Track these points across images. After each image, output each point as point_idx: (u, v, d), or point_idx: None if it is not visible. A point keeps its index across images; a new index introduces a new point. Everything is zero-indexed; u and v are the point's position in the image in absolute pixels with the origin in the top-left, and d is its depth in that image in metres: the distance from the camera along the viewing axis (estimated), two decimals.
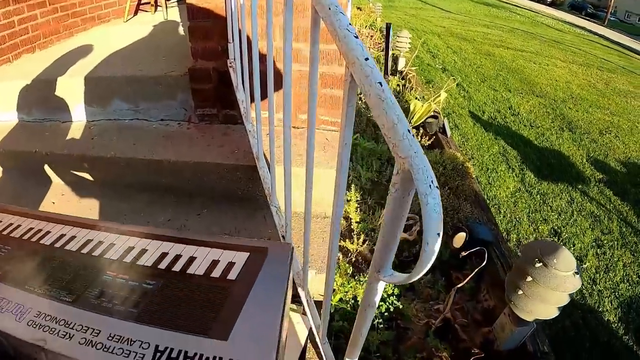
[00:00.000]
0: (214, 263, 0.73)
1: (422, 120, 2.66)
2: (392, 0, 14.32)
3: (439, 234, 0.48)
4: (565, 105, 5.18)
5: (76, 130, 1.90)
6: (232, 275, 0.70)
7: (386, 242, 0.64)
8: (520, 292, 1.22)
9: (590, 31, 17.05)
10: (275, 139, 1.22)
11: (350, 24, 0.63)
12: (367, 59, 0.57)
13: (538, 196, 3.22)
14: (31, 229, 0.81)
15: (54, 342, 0.58)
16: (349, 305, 1.51)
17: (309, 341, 1.37)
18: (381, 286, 0.72)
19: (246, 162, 1.54)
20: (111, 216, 1.57)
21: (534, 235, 2.77)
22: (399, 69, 3.82)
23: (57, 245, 0.77)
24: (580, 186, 3.46)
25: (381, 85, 0.53)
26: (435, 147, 2.55)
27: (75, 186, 1.74)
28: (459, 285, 1.44)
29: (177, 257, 0.75)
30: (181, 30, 2.74)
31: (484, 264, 1.56)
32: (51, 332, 0.59)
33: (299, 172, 1.35)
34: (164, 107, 1.84)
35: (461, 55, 6.74)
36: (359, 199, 1.87)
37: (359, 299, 1.54)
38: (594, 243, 2.88)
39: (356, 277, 1.61)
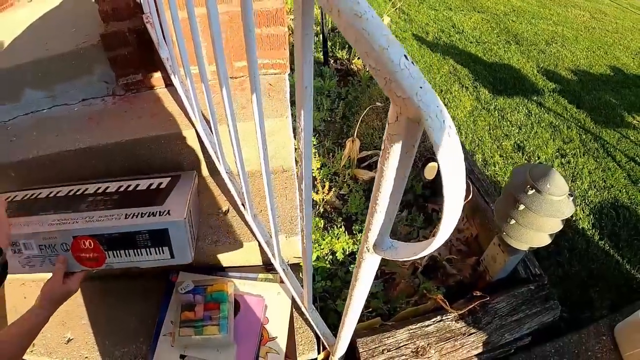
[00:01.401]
0: (151, 184, 1.29)
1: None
2: None
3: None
4: (508, 19, 5.11)
5: None
6: (163, 185, 1.28)
7: (382, 210, 0.50)
8: (512, 221, 1.14)
9: None
10: (212, 95, 1.05)
11: None
12: None
13: (496, 112, 3.19)
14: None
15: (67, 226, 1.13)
16: (327, 262, 1.40)
17: (294, 309, 1.27)
18: (377, 260, 0.60)
19: (186, 127, 1.36)
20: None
21: (499, 153, 2.75)
22: None
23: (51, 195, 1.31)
24: (535, 98, 3.45)
25: None
26: None
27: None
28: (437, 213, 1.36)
29: (129, 185, 1.30)
30: None
31: (470, 196, 1.48)
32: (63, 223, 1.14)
33: (245, 127, 1.19)
34: (82, 86, 1.59)
35: None
36: (315, 143, 1.73)
37: (337, 253, 1.44)
38: (557, 153, 2.89)
39: (329, 230, 1.50)
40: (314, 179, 1.66)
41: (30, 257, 1.16)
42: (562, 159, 2.83)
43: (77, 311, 1.38)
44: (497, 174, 2.58)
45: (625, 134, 3.20)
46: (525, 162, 2.74)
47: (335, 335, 1.02)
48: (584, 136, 3.10)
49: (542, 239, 1.15)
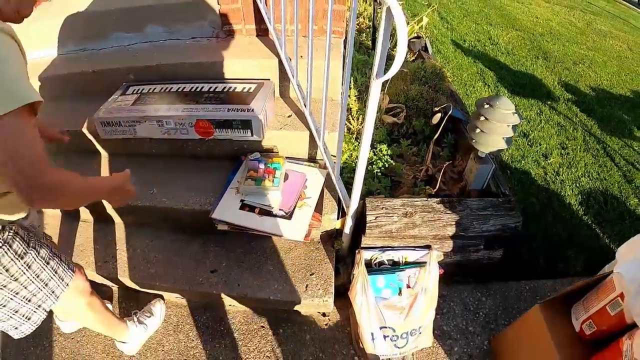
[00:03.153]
0: (244, 87, 1.91)
1: (407, 40, 3.09)
2: None
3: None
4: (543, 39, 5.53)
5: (115, 53, 2.30)
6: (252, 90, 1.86)
7: (381, 54, 1.08)
8: (477, 130, 1.70)
9: None
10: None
11: None
12: None
13: None
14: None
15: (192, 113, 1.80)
16: (353, 163, 1.98)
17: (325, 186, 1.86)
18: (378, 84, 1.18)
19: (265, 56, 1.99)
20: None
21: None
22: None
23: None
24: (549, 102, 3.87)
25: None
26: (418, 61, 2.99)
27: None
28: (435, 137, 1.91)
29: (231, 86, 1.94)
30: None
31: (449, 114, 2.02)
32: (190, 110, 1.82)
33: (315, 64, 1.78)
34: (195, 28, 2.26)
35: None
36: (357, 94, 2.32)
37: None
38: (559, 145, 3.29)
39: (356, 146, 2.08)
40: (352, 115, 2.26)
41: (169, 129, 1.81)
42: (562, 150, 3.21)
43: (162, 176, 1.99)
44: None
45: (630, 144, 3.48)
46: (528, 147, 3.20)
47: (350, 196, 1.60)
48: (587, 138, 3.44)
49: (499, 142, 1.68)
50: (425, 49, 3.15)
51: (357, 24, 3.43)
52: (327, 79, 1.45)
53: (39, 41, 2.33)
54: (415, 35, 3.14)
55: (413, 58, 3.01)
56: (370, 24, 3.28)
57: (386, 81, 2.62)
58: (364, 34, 3.27)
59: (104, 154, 2.15)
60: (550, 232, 2.45)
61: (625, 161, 3.26)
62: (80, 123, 2.03)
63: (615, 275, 1.19)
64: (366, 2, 3.79)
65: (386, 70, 1.09)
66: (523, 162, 3.04)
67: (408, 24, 3.15)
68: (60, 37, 2.34)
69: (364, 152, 1.38)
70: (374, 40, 2.98)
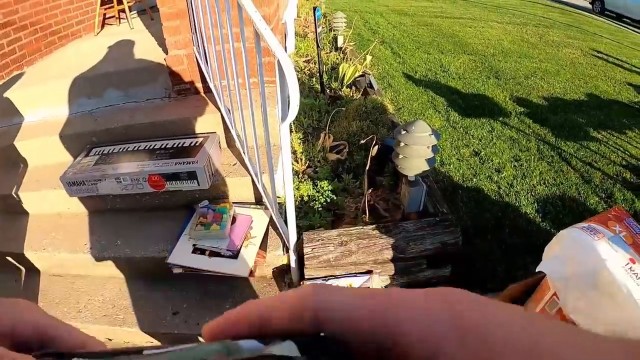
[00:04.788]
0: (192, 142, 2.08)
1: (352, 79, 3.34)
2: None
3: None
4: (495, 59, 5.84)
5: (79, 118, 2.52)
6: (198, 143, 2.08)
7: (281, 102, 1.29)
8: (400, 155, 1.88)
9: None
10: (232, 95, 1.88)
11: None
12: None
13: (461, 129, 3.84)
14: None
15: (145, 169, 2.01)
16: (296, 203, 2.16)
17: (270, 226, 2.03)
18: (285, 127, 1.37)
19: (210, 111, 2.20)
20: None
21: (456, 157, 3.42)
22: (338, 45, 4.47)
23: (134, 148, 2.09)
24: (501, 119, 4.06)
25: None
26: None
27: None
28: (367, 168, 2.09)
29: (180, 142, 2.14)
30: (148, 34, 3.32)
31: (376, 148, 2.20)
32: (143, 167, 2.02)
33: (249, 113, 1.97)
34: (149, 89, 2.48)
35: (400, 29, 7.43)
36: (301, 137, 2.52)
37: (305, 197, 2.20)
38: (512, 158, 3.41)
39: (300, 186, 2.26)
40: (297, 157, 2.45)
41: (126, 185, 2.00)
42: (516, 163, 3.34)
43: (125, 229, 2.16)
44: (451, 171, 3.26)
45: (586, 145, 3.59)
46: (480, 164, 3.39)
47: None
48: (541, 147, 3.58)
49: (421, 165, 1.86)
50: (371, 85, 3.39)
51: (308, 69, 3.68)
52: (267, 127, 1.65)
53: (12, 109, 2.57)
54: (360, 73, 3.38)
55: (359, 95, 3.23)
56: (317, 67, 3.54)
57: (329, 121, 2.86)
58: (314, 79, 3.50)
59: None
60: (507, 242, 2.51)
61: (582, 162, 3.38)
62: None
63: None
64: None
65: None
66: (475, 179, 3.19)
67: (352, 65, 3.40)
68: (32, 105, 2.59)
69: (289, 189, 1.55)
70: (322, 84, 3.22)
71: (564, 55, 6.38)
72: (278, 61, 1.25)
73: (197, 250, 1.90)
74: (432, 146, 1.88)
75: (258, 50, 1.51)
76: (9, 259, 2.22)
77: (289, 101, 1.31)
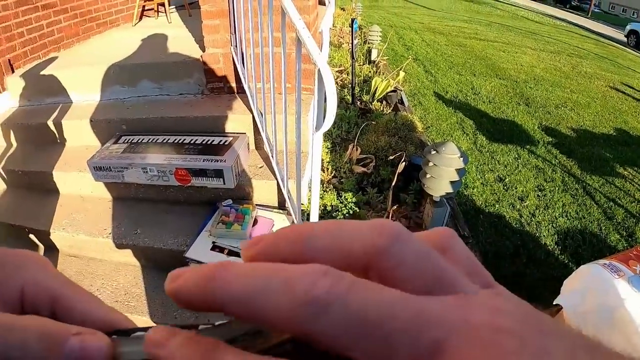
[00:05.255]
0: (221, 140, 2.11)
1: (384, 94, 3.34)
2: (377, 0, 15.03)
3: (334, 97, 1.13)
4: (526, 85, 5.78)
5: (111, 105, 2.57)
6: (227, 142, 2.09)
7: (318, 110, 1.28)
8: (427, 175, 1.87)
9: (571, 23, 17.66)
10: (266, 99, 1.89)
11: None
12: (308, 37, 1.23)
13: (487, 153, 3.81)
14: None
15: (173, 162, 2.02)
16: (320, 210, 2.15)
17: None
18: (318, 136, 1.37)
19: (242, 112, 2.22)
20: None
21: (480, 181, 3.39)
22: (372, 59, 4.48)
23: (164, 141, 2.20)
24: (528, 146, 4.03)
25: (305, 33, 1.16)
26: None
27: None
28: (393, 184, 2.08)
29: (209, 139, 2.13)
30: (185, 30, 3.38)
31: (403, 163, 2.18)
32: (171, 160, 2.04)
33: (281, 119, 1.98)
34: (182, 85, 2.51)
35: (434, 47, 7.42)
36: (329, 146, 2.52)
37: (327, 207, 2.19)
38: (536, 188, 3.39)
39: (324, 195, 2.25)
40: (323, 166, 2.44)
41: (152, 176, 2.01)
42: (540, 192, 3.32)
43: (147, 218, 2.17)
44: (474, 194, 3.23)
45: (611, 181, 3.53)
46: (503, 191, 3.35)
47: None
48: (566, 178, 3.54)
49: (447, 186, 1.84)
50: (402, 102, 3.38)
51: (340, 80, 3.69)
52: (300, 134, 1.65)
53: (47, 89, 2.65)
54: (392, 88, 3.37)
55: (389, 111, 3.22)
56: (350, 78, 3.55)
57: (358, 133, 2.86)
58: (345, 89, 3.51)
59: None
60: (523, 273, 2.47)
61: (606, 198, 3.32)
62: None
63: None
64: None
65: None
66: (497, 205, 3.16)
67: (385, 79, 3.39)
68: (66, 87, 2.64)
69: (315, 199, 1.55)
70: (353, 95, 3.22)
71: (595, 87, 6.27)
72: (319, 70, 1.25)
73: (215, 247, 1.90)
74: (460, 169, 1.86)
75: (298, 57, 1.51)
76: (31, 235, 2.25)
77: (325, 111, 1.31)
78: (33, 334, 0.19)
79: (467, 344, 0.14)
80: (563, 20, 18.13)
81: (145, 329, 0.20)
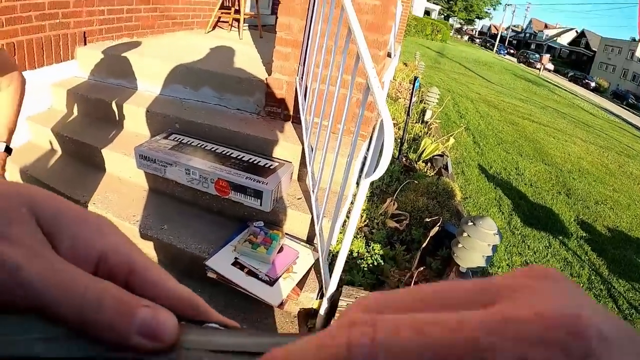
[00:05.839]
0: (267, 164, 2.17)
1: (430, 156, 3.35)
2: (439, 63, 15.28)
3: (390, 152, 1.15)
4: (570, 176, 5.70)
5: (169, 101, 2.67)
6: (272, 167, 2.15)
7: (371, 158, 1.31)
8: (459, 244, 1.85)
9: (624, 120, 17.43)
10: (319, 136, 1.93)
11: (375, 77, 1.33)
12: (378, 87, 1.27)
13: (519, 236, 3.75)
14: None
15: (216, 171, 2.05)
16: (347, 257, 2.14)
17: (313, 268, 2.02)
18: (366, 182, 1.38)
19: (293, 142, 2.26)
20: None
21: (506, 262, 3.32)
22: (425, 119, 4.53)
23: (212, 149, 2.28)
24: (561, 237, 3.96)
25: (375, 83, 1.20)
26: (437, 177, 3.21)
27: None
28: (423, 246, 2.06)
29: (256, 159, 2.22)
30: (254, 49, 3.52)
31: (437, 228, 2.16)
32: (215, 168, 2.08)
33: (330, 158, 2.01)
34: (241, 101, 2.60)
35: (486, 120, 7.44)
36: (367, 195, 2.53)
37: (354, 252, 2.18)
38: None
39: (353, 241, 2.25)
40: (361, 213, 2.45)
41: (193, 179, 2.07)
42: None
43: (176, 217, 2.21)
44: (497, 274, 3.14)
45: (638, 287, 3.42)
46: None
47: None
48: (593, 277, 3.44)
49: (477, 260, 1.81)
50: (446, 167, 3.38)
51: None
52: (347, 177, 1.67)
53: (115, 70, 2.80)
54: (439, 153, 3.39)
55: (433, 174, 3.23)
56: (401, 133, 3.59)
57: (399, 189, 2.87)
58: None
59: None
60: None
61: (628, 304, 3.23)
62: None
63: None
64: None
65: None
66: None
67: (434, 142, 3.41)
68: (133, 72, 2.79)
69: (346, 243, 1.55)
70: (400, 151, 3.25)
71: (639, 190, 6.13)
72: (381, 121, 1.28)
73: (237, 264, 1.92)
74: (493, 245, 1.84)
75: (363, 103, 1.55)
76: None
77: (377, 161, 1.32)
78: (110, 298, 0.20)
79: None
80: (617, 116, 17.92)
81: (214, 324, 0.21)
